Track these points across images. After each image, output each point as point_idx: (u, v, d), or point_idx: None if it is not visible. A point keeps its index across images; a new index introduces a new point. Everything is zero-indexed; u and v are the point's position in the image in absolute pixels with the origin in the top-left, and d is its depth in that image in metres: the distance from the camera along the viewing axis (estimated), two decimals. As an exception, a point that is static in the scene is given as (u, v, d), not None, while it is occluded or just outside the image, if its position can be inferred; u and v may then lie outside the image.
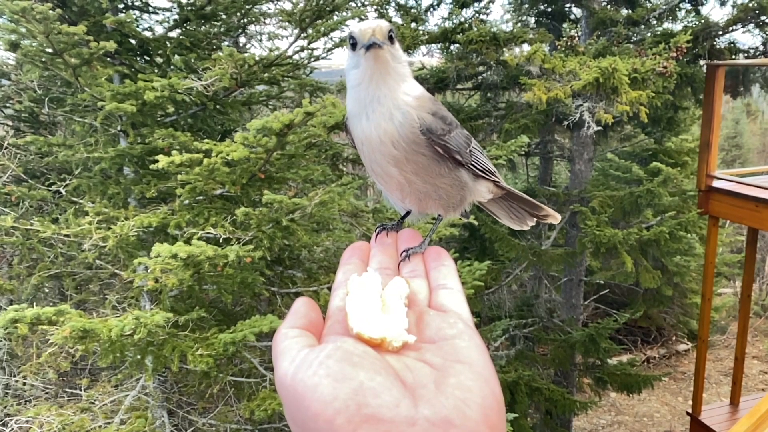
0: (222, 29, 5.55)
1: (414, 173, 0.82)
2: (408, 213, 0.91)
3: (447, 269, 0.67)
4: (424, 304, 0.63)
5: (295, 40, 4.79)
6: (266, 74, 4.82)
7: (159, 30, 5.38)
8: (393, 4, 8.58)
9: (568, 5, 9.14)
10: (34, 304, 4.56)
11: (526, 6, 9.36)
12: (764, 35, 8.03)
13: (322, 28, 4.74)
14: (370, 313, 0.58)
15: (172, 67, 5.08)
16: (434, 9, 8.76)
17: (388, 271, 0.70)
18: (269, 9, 8.19)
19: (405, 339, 0.57)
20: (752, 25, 7.92)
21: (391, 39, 0.82)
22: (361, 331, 0.56)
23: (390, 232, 0.79)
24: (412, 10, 8.62)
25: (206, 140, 4.03)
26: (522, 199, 1.06)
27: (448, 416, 0.48)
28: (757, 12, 7.67)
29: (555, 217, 1.07)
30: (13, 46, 4.10)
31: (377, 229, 0.80)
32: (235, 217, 4.05)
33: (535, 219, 1.08)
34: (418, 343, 0.57)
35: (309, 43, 4.92)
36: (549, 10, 9.29)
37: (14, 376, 5.43)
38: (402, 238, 0.76)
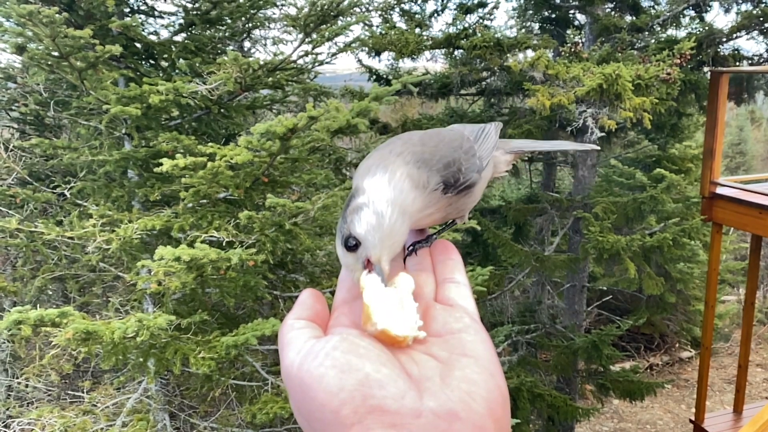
0: (227, 33, 5.58)
1: (457, 211, 0.77)
2: None
3: (454, 263, 0.67)
4: (431, 297, 0.63)
5: (299, 45, 4.81)
6: (270, 78, 4.83)
7: (164, 34, 5.42)
8: (397, 9, 8.61)
9: (572, 12, 9.15)
10: (38, 305, 4.58)
11: (530, 12, 9.38)
12: (768, 42, 8.03)
13: (327, 33, 4.75)
14: (393, 310, 0.57)
15: (177, 71, 5.11)
16: (438, 15, 8.77)
17: (394, 264, 0.69)
18: (274, 14, 8.24)
19: (418, 335, 0.56)
20: (756, 32, 7.92)
21: (353, 246, 0.66)
22: (387, 327, 0.55)
23: None
24: (416, 16, 8.65)
25: (210, 144, 4.04)
26: (547, 149, 1.04)
27: (453, 409, 0.48)
28: (761, 19, 7.67)
29: (594, 147, 1.06)
30: (20, 49, 4.13)
31: None
32: (238, 221, 4.05)
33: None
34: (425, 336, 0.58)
35: (313, 48, 4.94)
36: (553, 16, 9.30)
37: (17, 377, 5.44)
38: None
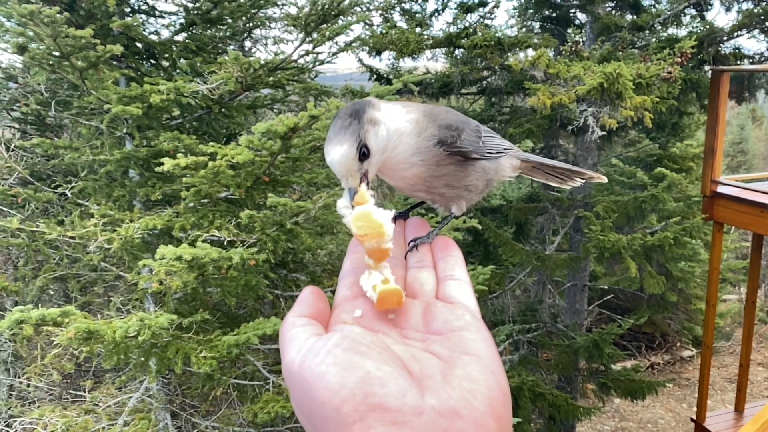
0: (227, 33, 5.58)
1: (445, 186, 0.82)
2: (420, 203, 0.90)
3: (454, 260, 0.67)
4: (432, 295, 0.63)
5: (300, 44, 4.81)
6: (271, 78, 4.83)
7: (165, 34, 5.42)
8: (398, 9, 8.60)
9: (572, 11, 9.15)
10: (39, 305, 4.58)
11: (531, 11, 9.37)
12: (769, 41, 8.02)
13: (327, 33, 4.75)
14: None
15: (177, 70, 5.11)
16: (439, 14, 8.77)
17: (396, 260, 0.69)
18: (275, 13, 8.24)
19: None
20: (757, 30, 7.91)
21: (365, 155, 0.72)
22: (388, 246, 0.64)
23: (398, 220, 0.77)
24: (417, 15, 8.65)
25: (211, 143, 4.04)
26: (557, 167, 1.03)
27: (454, 407, 0.48)
28: (762, 18, 7.66)
29: (601, 178, 1.05)
30: (21, 49, 4.13)
31: None
32: (239, 220, 4.05)
33: (580, 179, 1.05)
34: (426, 334, 0.58)
35: (314, 48, 4.94)
36: (554, 15, 9.29)
37: (19, 377, 5.45)
38: (410, 227, 0.75)
